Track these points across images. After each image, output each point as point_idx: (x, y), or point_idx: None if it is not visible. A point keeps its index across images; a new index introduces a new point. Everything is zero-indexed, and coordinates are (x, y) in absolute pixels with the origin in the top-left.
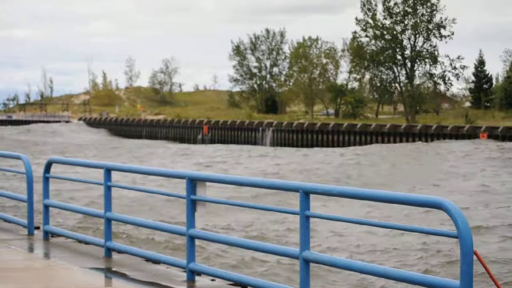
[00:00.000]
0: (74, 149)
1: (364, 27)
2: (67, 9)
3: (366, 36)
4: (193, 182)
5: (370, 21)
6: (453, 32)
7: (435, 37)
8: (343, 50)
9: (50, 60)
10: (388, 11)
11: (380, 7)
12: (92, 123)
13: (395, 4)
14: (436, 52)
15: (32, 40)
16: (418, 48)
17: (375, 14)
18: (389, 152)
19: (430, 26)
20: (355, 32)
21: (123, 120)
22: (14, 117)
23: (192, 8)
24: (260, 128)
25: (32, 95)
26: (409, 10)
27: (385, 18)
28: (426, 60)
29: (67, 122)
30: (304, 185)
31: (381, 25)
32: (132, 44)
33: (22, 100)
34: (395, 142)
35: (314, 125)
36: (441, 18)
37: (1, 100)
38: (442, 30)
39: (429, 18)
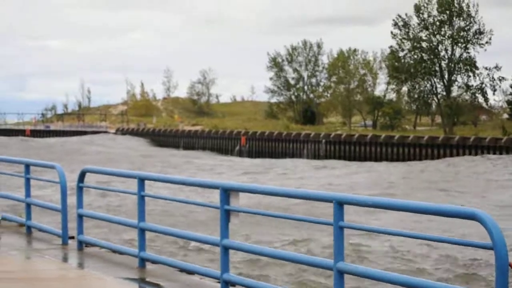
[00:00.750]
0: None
1: (400, 41)
2: (106, 19)
3: (402, 49)
4: (226, 192)
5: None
6: (490, 38)
7: (473, 45)
8: (380, 62)
9: (88, 71)
10: (423, 23)
11: (415, 19)
12: (130, 134)
13: (430, 15)
14: (474, 61)
15: (70, 51)
16: (455, 58)
17: (410, 26)
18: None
19: (468, 37)
20: (391, 46)
21: (161, 131)
22: (52, 127)
23: (230, 20)
24: (298, 140)
25: (70, 105)
26: (445, 20)
27: (421, 31)
28: (464, 70)
29: (105, 132)
30: (337, 195)
31: (417, 37)
32: (170, 55)
33: (60, 110)
34: (432, 153)
35: (351, 136)
36: (478, 27)
37: (39, 110)
38: (480, 38)
39: (467, 28)
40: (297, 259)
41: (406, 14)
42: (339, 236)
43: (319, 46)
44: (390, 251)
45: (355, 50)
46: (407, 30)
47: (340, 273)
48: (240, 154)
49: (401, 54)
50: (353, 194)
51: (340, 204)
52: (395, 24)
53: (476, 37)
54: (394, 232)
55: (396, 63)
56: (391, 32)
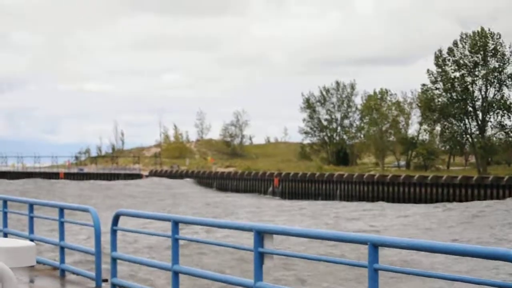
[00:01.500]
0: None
1: (434, 79)
2: (139, 61)
3: (436, 88)
4: (260, 235)
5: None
6: None
7: (507, 87)
8: (411, 103)
9: (121, 113)
10: (457, 63)
11: (451, 59)
12: (163, 176)
13: (464, 55)
14: (508, 102)
15: (103, 93)
16: (489, 98)
17: (445, 66)
18: None
19: (502, 77)
20: (424, 85)
21: (194, 173)
22: (86, 170)
23: (262, 61)
24: (331, 180)
25: (103, 148)
26: (479, 61)
27: (455, 71)
28: (499, 110)
29: (138, 175)
30: (372, 237)
31: (451, 77)
32: (202, 96)
33: (93, 153)
34: (466, 194)
35: (385, 177)
36: None
37: (73, 153)
38: None
39: (500, 69)
40: None
41: (440, 52)
42: (374, 278)
43: (352, 87)
44: None
45: (387, 91)
46: (440, 70)
47: None
48: (273, 195)
49: (434, 92)
50: (388, 236)
51: (375, 246)
52: (437, 59)
53: (510, 78)
54: (433, 275)
55: (430, 103)
56: (428, 70)
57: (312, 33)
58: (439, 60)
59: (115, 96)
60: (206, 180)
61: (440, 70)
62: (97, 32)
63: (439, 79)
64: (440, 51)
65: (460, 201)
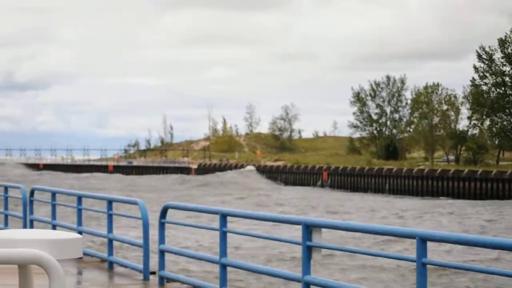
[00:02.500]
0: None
1: (482, 75)
2: (187, 56)
3: (485, 83)
4: (308, 228)
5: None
6: None
7: None
8: (463, 97)
9: (170, 107)
10: (508, 57)
11: (498, 54)
12: (210, 170)
13: None
14: None
15: (152, 87)
16: None
17: (494, 61)
18: None
19: None
20: (473, 79)
21: (243, 166)
22: (135, 163)
23: (311, 56)
24: (380, 175)
25: (152, 141)
26: None
27: (504, 65)
28: None
29: (187, 168)
30: (420, 231)
31: (500, 72)
32: (252, 90)
33: (142, 146)
34: None
35: (434, 171)
36: None
37: (121, 146)
38: None
39: None
40: None
41: (489, 47)
42: (422, 272)
43: (402, 81)
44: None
45: (438, 85)
46: (490, 63)
47: None
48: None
49: (483, 88)
50: (436, 231)
51: (423, 241)
52: (479, 57)
53: None
54: (480, 270)
55: (479, 98)
56: (474, 66)
57: (361, 28)
58: (484, 56)
59: (164, 90)
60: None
61: (485, 65)
62: (146, 26)
63: (487, 74)
64: (482, 47)
65: (510, 196)
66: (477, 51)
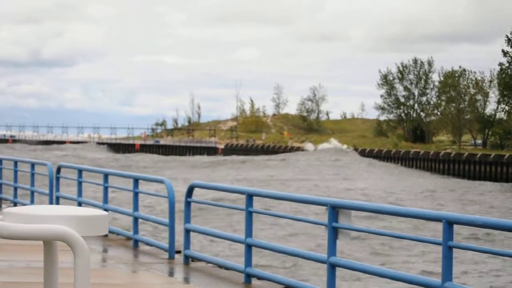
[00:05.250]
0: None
1: (511, 59)
2: (215, 35)
3: None
4: (334, 210)
5: None
6: None
7: None
8: (491, 81)
9: (198, 86)
10: None
11: None
12: (237, 150)
13: None
14: None
15: (180, 66)
16: None
17: None
18: None
19: None
20: (501, 64)
21: (270, 147)
22: (162, 142)
23: (340, 37)
24: (407, 157)
25: (179, 121)
26: None
27: None
28: None
29: (215, 148)
30: (447, 214)
31: None
32: (280, 71)
33: (170, 126)
34: None
35: (461, 155)
36: None
37: (149, 125)
38: None
39: None
40: (403, 278)
41: None
42: (448, 255)
43: (430, 64)
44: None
45: (465, 70)
46: None
47: None
48: None
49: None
50: (463, 214)
51: (449, 224)
52: (508, 41)
53: None
54: (507, 254)
55: (508, 82)
56: (502, 50)
57: (390, 10)
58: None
59: (192, 69)
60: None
61: None
62: (175, 5)
63: None
64: None
65: None
66: (506, 36)
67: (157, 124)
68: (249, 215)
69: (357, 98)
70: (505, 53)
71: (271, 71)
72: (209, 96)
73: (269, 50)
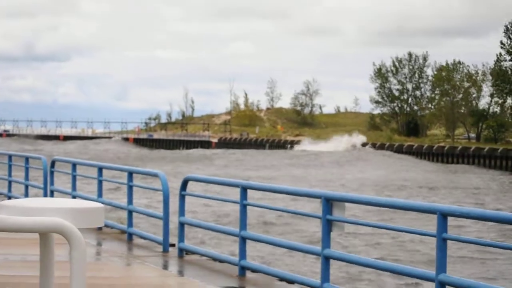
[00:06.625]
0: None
1: (509, 50)
2: (209, 29)
3: (511, 60)
4: (329, 202)
5: None
6: None
7: None
8: (483, 75)
9: (192, 80)
10: None
11: None
12: (232, 143)
13: None
14: None
15: (175, 60)
16: None
17: None
18: None
19: None
20: (499, 54)
21: (263, 141)
22: (155, 136)
23: (334, 31)
24: (400, 151)
25: (173, 115)
26: None
27: None
28: None
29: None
30: (441, 207)
31: None
32: (273, 65)
33: (163, 119)
34: None
35: (454, 148)
36: None
37: (142, 119)
38: None
39: None
40: (399, 270)
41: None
42: (442, 248)
43: (424, 58)
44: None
45: (459, 63)
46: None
47: (442, 285)
48: None
49: (508, 64)
50: (458, 206)
51: (444, 216)
52: (507, 31)
53: None
54: (500, 245)
55: (503, 75)
56: (501, 42)
57: (384, 4)
58: (508, 33)
59: (186, 63)
60: (276, 146)
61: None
62: None
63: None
64: (511, 23)
65: None
66: (505, 26)
67: (150, 118)
68: (244, 208)
69: (351, 92)
70: (503, 45)
71: (266, 65)
72: (203, 90)
73: (263, 44)
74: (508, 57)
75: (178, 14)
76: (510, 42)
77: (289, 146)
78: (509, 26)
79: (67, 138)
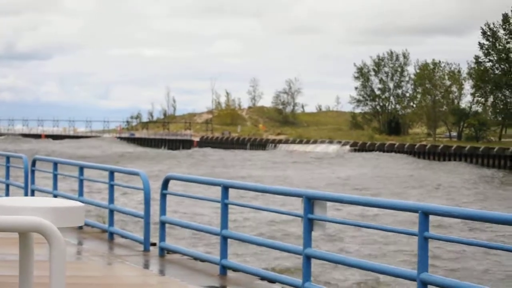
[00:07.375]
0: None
1: (487, 51)
2: (192, 28)
3: (490, 60)
4: (310, 201)
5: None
6: None
7: None
8: (468, 74)
9: (175, 79)
10: (511, 34)
11: (502, 31)
12: (214, 142)
13: None
14: None
15: (157, 59)
16: None
17: (498, 38)
18: None
19: None
20: (477, 57)
21: (245, 139)
22: (137, 135)
23: (316, 30)
24: (382, 149)
25: (155, 114)
26: None
27: (508, 42)
28: None
29: (190, 141)
30: (423, 205)
31: (504, 48)
32: (256, 64)
33: (145, 119)
34: None
35: (436, 147)
36: None
37: (124, 118)
38: None
39: None
40: (378, 269)
41: (493, 24)
42: (424, 246)
43: (405, 56)
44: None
45: (440, 62)
46: (494, 40)
47: (424, 284)
48: None
49: (487, 64)
50: (439, 205)
51: (425, 215)
52: (484, 33)
53: None
54: (479, 244)
55: (483, 75)
56: (479, 43)
57: (366, 3)
58: (488, 33)
59: (169, 62)
60: (257, 146)
61: (490, 42)
62: None
63: (492, 51)
64: (487, 24)
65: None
66: (481, 28)
67: (132, 117)
68: (225, 207)
69: (333, 91)
70: (481, 46)
71: (248, 64)
72: (186, 89)
73: (246, 43)
74: (486, 58)
75: (162, 12)
76: (489, 43)
77: (272, 145)
78: (485, 29)
79: (48, 136)
